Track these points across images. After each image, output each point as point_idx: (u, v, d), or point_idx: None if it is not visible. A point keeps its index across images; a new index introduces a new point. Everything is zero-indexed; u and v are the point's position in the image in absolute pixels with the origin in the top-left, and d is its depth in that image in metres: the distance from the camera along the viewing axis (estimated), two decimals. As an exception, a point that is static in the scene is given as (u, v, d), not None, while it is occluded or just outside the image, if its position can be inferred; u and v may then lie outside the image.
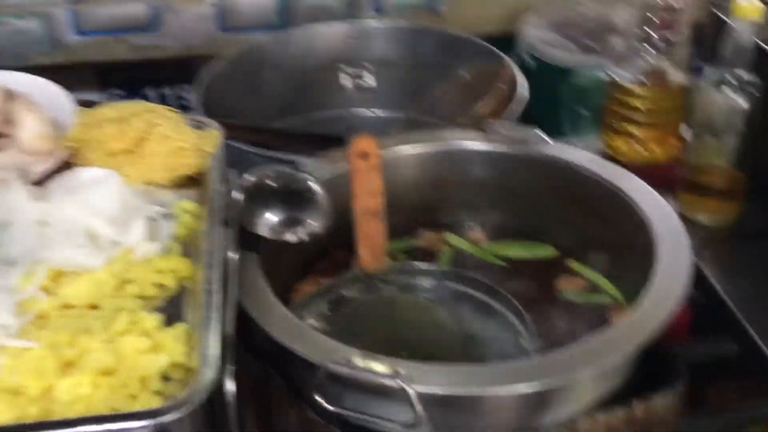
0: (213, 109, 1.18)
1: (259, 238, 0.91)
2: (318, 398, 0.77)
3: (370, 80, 1.41)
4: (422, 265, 0.99)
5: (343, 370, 0.75)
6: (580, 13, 1.53)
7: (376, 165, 0.91)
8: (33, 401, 0.64)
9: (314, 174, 0.96)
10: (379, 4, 1.65)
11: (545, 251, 1.06)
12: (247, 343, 0.83)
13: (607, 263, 1.02)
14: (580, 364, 0.76)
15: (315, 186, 0.94)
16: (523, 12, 1.55)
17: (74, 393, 0.64)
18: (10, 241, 0.78)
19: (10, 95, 0.93)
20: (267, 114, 1.36)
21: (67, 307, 0.73)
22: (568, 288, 1.01)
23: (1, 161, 0.88)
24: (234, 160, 0.95)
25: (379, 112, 1.43)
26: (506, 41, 1.44)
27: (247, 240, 0.89)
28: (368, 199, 0.92)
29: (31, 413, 0.64)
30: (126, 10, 1.66)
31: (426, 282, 0.97)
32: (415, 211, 1.08)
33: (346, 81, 1.40)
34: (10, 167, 0.87)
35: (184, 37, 1.68)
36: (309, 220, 0.93)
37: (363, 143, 0.91)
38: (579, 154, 1.05)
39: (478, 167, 1.07)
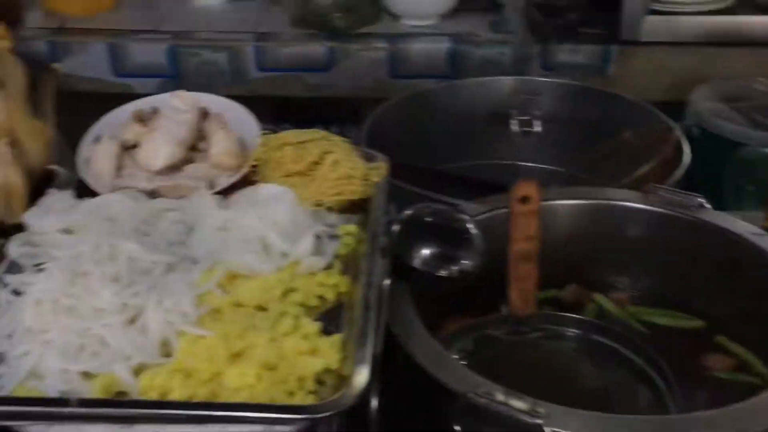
0: (377, 148, 1.25)
1: (412, 269, 0.95)
2: (456, 428, 0.79)
3: (536, 132, 1.43)
4: (569, 315, 1.00)
5: (484, 403, 0.77)
6: (753, 87, 1.51)
7: (535, 210, 0.94)
8: (203, 383, 0.71)
9: (471, 215, 0.99)
10: (548, 61, 1.70)
11: (692, 322, 1.05)
12: (390, 367, 0.87)
13: (760, 340, 0.99)
14: (722, 427, 0.75)
15: (471, 226, 0.97)
16: (693, 82, 1.55)
17: (240, 381, 0.70)
18: (195, 242, 0.86)
19: (206, 114, 1.03)
20: (429, 158, 1.41)
21: (238, 305, 0.79)
22: (715, 366, 0.99)
23: (193, 172, 0.97)
24: (395, 196, 1.00)
25: (540, 165, 1.45)
26: (673, 109, 1.44)
27: (401, 270, 0.93)
28: (524, 243, 0.94)
29: (201, 394, 0.70)
30: (305, 51, 1.79)
31: (572, 331, 0.98)
32: (564, 264, 1.09)
33: (513, 128, 1.43)
34: (201, 178, 0.96)
35: (356, 80, 1.78)
36: (462, 259, 0.96)
37: (525, 187, 0.94)
38: (742, 225, 1.03)
39: (634, 227, 1.07)
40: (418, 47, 1.74)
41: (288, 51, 1.79)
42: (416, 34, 1.77)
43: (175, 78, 1.83)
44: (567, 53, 1.69)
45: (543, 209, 0.98)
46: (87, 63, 1.81)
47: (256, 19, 1.88)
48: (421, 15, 1.80)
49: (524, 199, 0.94)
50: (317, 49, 1.78)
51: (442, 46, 1.74)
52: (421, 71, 1.74)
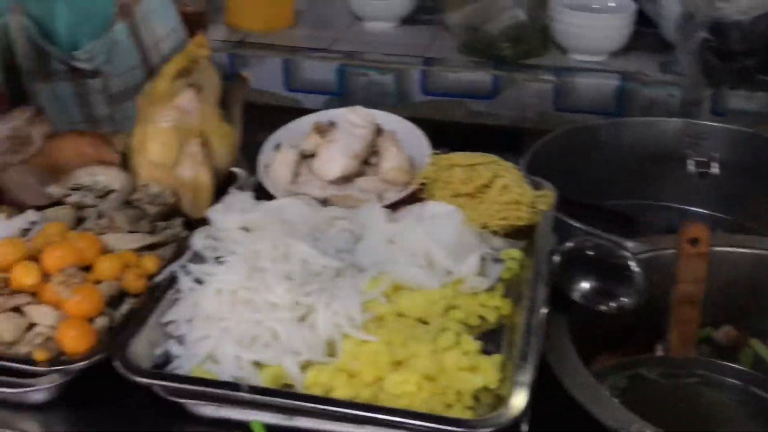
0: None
1: (570, 301, 0.95)
2: (603, 464, 0.78)
3: (711, 175, 1.40)
4: (728, 364, 0.97)
5: (636, 441, 0.76)
6: None
7: (704, 252, 0.92)
8: (366, 386, 0.74)
9: (633, 252, 0.98)
10: (719, 106, 1.65)
11: None
12: (540, 395, 0.87)
13: None
14: None
15: (633, 264, 0.96)
16: None
17: (401, 388, 0.73)
18: (363, 251, 0.89)
19: (380, 131, 1.07)
20: (588, 193, 1.40)
21: (401, 315, 0.82)
22: None
23: (364, 184, 1.01)
24: (555, 228, 1.00)
25: (704, 211, 1.41)
26: None
27: (558, 301, 0.93)
28: (690, 286, 0.93)
29: (363, 395, 0.73)
30: (471, 78, 1.81)
31: (730, 381, 0.95)
32: (721, 307, 1.05)
33: (690, 169, 1.40)
34: (370, 191, 1.00)
35: (519, 109, 1.79)
36: (621, 296, 0.95)
37: (695, 229, 0.92)
38: None
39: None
40: (585, 82, 1.74)
41: (454, 77, 1.82)
42: (584, 69, 1.76)
43: (341, 96, 1.89)
44: (740, 99, 1.64)
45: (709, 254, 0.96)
46: (262, 76, 1.90)
47: (424, 44, 1.92)
48: (590, 51, 1.79)
49: (694, 241, 0.92)
50: (483, 76, 1.80)
51: (610, 82, 1.73)
52: (586, 106, 1.73)
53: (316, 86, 1.89)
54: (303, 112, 1.76)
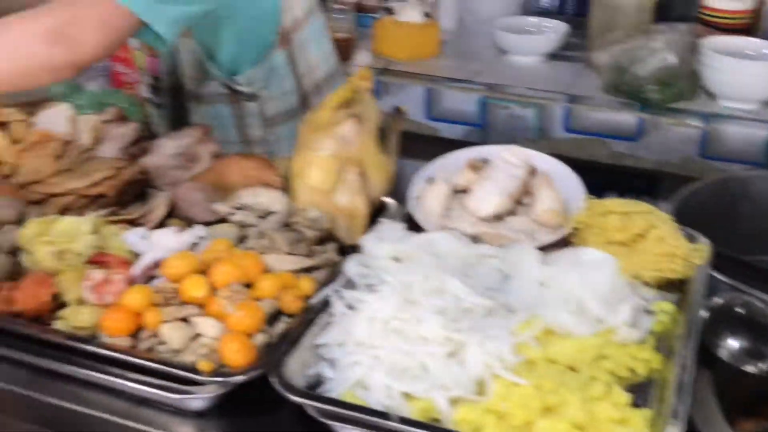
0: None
1: (716, 359, 0.93)
2: None
3: None
4: None
5: None
6: None
7: None
8: (514, 429, 0.74)
9: (787, 314, 0.95)
10: None
11: None
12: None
13: None
14: None
15: (787, 325, 0.93)
16: None
17: (550, 434, 0.73)
18: (513, 292, 0.90)
19: (534, 171, 1.08)
20: (735, 246, 1.36)
21: (551, 361, 0.82)
22: None
23: (516, 224, 1.02)
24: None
25: None
26: None
27: (704, 357, 0.91)
28: None
29: (511, 438, 0.74)
30: (616, 118, 1.79)
31: None
32: None
33: None
34: (521, 231, 1.01)
35: (662, 153, 1.76)
36: (772, 358, 0.93)
37: None
38: None
39: None
40: (733, 130, 1.69)
41: (597, 116, 1.80)
42: (734, 117, 1.72)
43: (480, 127, 1.90)
44: None
45: None
46: (403, 103, 1.93)
47: (568, 81, 1.92)
48: (741, 98, 1.74)
49: None
50: (628, 117, 1.78)
51: (761, 132, 1.67)
52: (734, 155, 1.68)
53: (455, 116, 1.91)
54: (442, 141, 1.77)
